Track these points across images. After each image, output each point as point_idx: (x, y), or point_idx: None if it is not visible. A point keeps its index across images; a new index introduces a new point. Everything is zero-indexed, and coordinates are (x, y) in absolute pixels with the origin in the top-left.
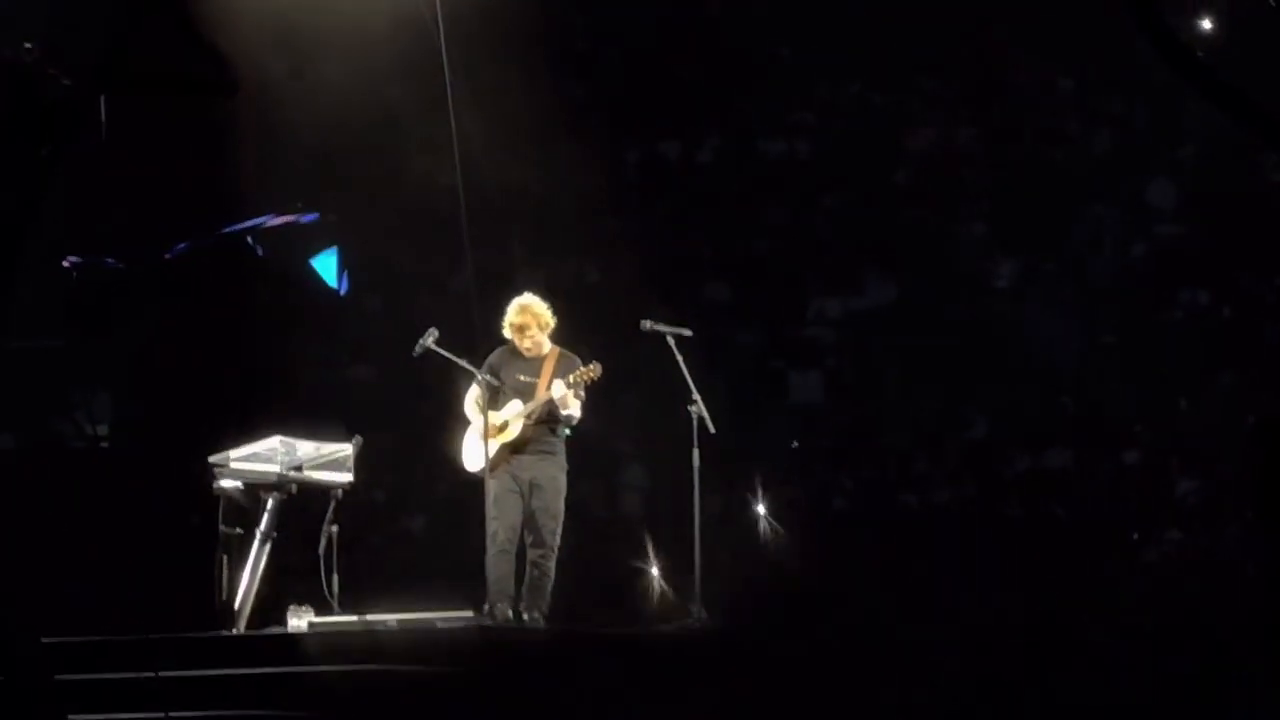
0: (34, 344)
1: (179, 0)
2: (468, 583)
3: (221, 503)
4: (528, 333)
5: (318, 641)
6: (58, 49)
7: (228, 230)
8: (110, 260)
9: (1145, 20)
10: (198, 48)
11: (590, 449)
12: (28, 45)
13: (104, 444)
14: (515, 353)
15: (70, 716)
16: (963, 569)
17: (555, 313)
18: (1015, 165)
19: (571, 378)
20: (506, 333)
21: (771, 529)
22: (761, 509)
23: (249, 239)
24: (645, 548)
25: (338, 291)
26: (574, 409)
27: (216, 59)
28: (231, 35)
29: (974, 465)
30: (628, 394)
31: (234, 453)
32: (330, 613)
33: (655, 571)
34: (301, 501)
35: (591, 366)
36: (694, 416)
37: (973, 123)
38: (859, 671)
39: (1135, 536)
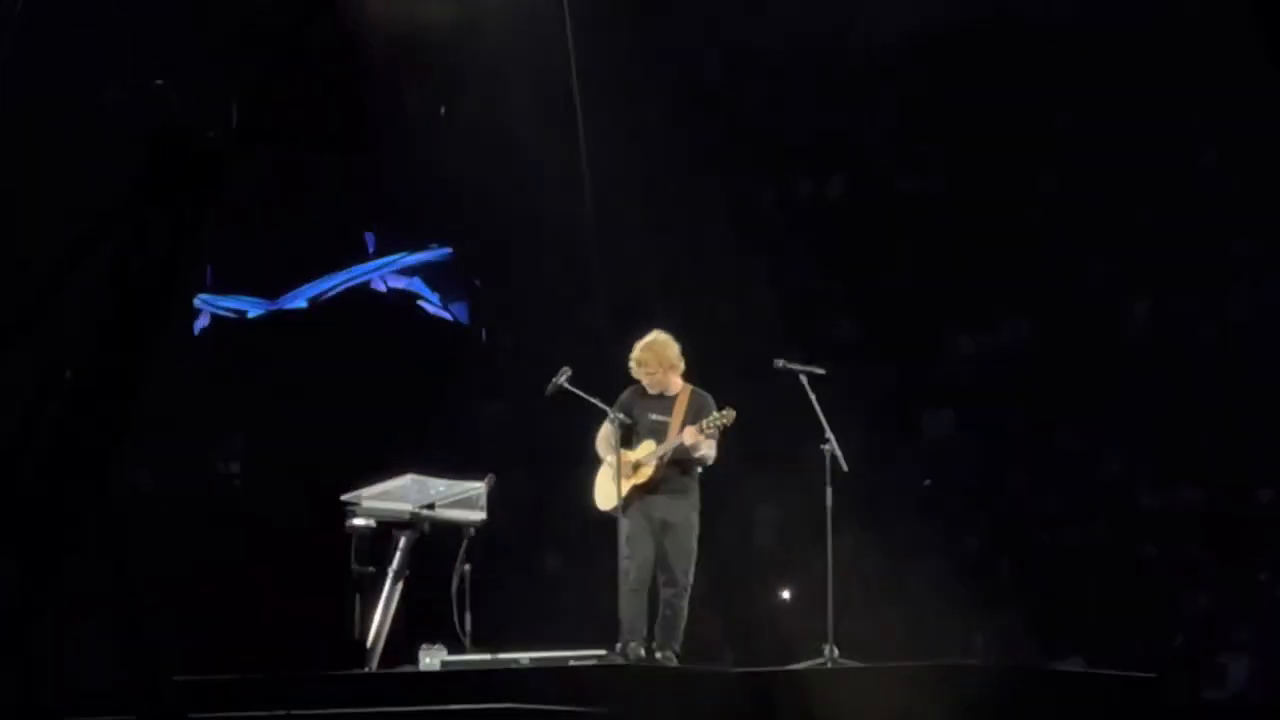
0: (168, 382)
1: (322, 50)
2: (600, 621)
3: (354, 541)
4: (647, 369)
5: (450, 680)
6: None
7: (361, 269)
8: (245, 298)
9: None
10: (338, 102)
11: (724, 487)
12: (159, 82)
13: (236, 482)
14: (646, 392)
15: None
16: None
17: (689, 350)
18: (1150, 201)
19: (704, 423)
20: (631, 369)
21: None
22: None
23: (381, 277)
24: (778, 586)
25: (470, 329)
26: (706, 450)
27: (355, 113)
28: (372, 71)
29: (1107, 503)
30: (761, 432)
31: (366, 491)
32: (462, 651)
33: (787, 607)
34: (434, 539)
35: (724, 413)
36: (827, 455)
37: (1107, 157)
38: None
39: (1263, 577)
